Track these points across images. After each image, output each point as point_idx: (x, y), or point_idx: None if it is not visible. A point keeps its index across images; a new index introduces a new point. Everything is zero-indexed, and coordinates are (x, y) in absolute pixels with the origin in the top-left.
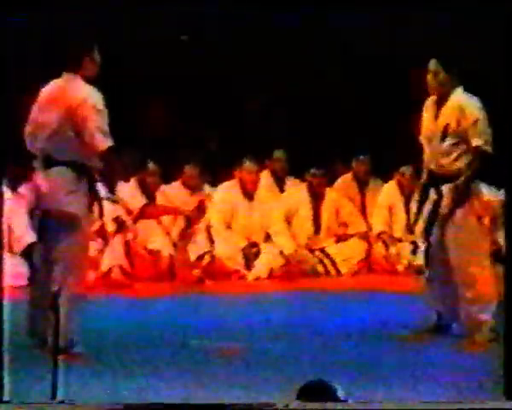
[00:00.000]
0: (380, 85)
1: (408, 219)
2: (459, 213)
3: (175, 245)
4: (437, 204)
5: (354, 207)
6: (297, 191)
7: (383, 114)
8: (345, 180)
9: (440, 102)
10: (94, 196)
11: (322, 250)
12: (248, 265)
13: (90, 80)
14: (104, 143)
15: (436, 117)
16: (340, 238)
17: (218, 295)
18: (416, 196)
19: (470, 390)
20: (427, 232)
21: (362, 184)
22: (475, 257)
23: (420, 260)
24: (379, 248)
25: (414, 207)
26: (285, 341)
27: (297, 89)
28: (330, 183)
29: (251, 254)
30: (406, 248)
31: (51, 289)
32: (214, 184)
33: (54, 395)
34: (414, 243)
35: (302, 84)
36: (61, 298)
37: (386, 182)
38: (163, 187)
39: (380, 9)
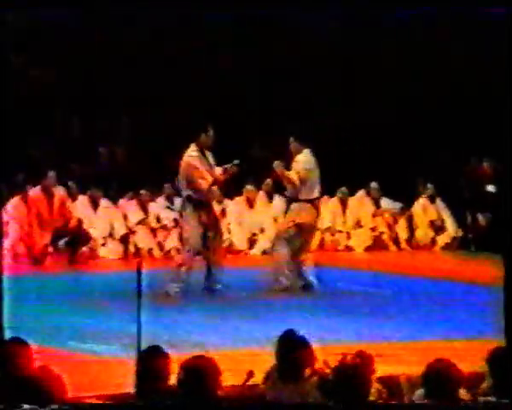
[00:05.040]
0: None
1: None
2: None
3: None
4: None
5: None
6: (279, 203)
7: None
8: None
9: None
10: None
11: None
12: (250, 247)
13: (205, 147)
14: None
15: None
16: None
17: (232, 264)
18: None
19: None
20: None
21: None
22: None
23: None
24: None
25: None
26: (264, 291)
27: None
28: None
29: (252, 240)
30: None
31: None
32: (231, 198)
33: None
34: None
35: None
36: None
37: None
38: None
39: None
